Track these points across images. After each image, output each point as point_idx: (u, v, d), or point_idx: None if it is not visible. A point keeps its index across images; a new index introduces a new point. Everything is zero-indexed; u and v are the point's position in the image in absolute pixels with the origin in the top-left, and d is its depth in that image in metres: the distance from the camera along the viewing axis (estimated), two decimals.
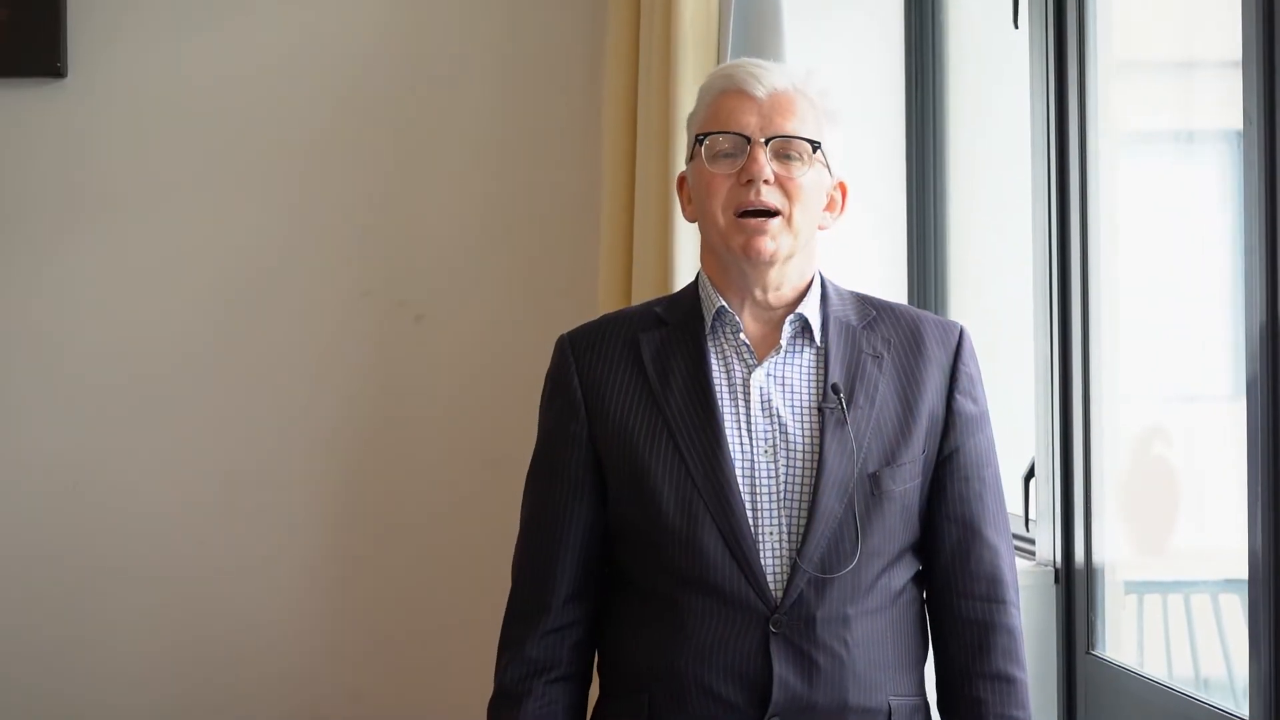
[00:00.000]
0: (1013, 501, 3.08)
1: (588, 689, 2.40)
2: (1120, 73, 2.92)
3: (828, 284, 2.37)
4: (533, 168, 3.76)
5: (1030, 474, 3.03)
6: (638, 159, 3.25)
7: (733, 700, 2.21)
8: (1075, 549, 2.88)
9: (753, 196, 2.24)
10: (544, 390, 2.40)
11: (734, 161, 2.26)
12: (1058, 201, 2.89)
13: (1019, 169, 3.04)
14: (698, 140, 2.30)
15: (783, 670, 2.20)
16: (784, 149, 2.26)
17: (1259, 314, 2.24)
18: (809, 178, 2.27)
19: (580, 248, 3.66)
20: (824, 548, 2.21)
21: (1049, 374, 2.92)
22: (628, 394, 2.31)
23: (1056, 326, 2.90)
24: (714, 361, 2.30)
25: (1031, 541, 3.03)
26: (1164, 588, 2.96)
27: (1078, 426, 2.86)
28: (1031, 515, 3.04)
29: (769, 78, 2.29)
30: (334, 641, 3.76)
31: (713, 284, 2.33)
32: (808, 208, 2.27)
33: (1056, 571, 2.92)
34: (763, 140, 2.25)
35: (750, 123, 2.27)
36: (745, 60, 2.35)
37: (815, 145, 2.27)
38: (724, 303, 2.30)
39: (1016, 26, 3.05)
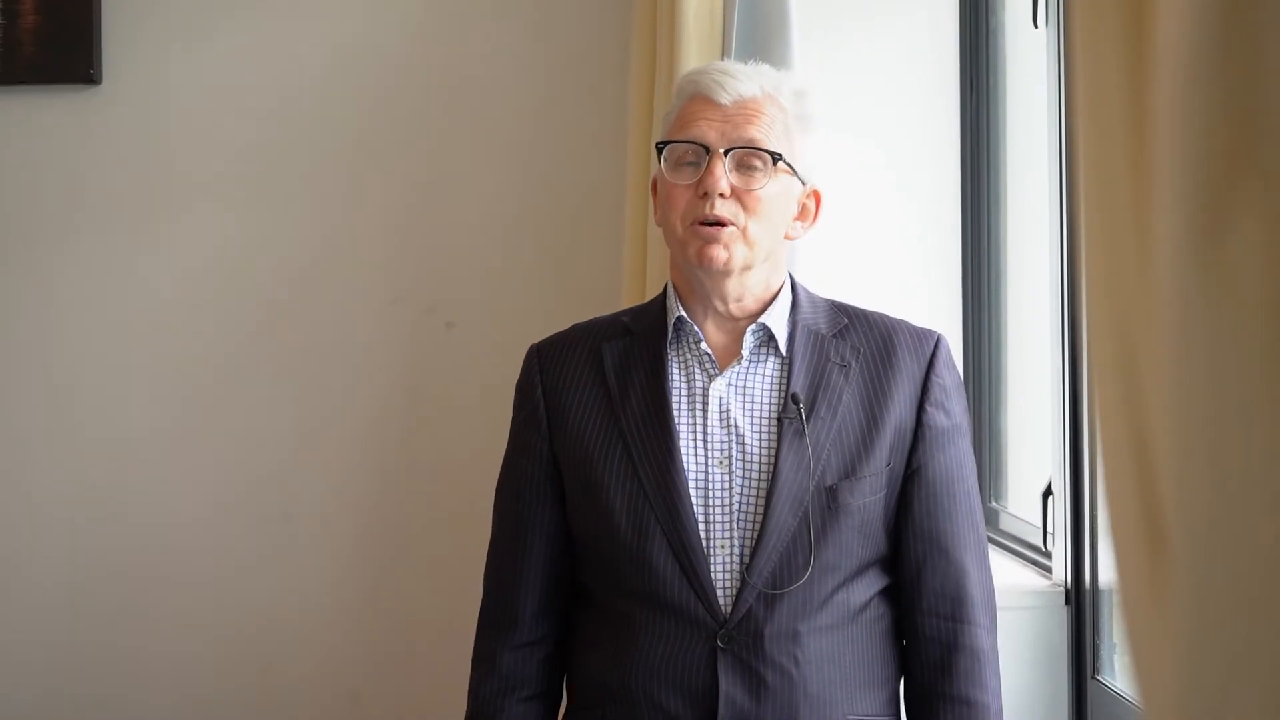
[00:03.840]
0: (1034, 517, 3.01)
1: (557, 707, 2.37)
2: None
3: (800, 291, 2.30)
4: (563, 175, 3.73)
5: (1048, 491, 2.93)
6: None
7: (681, 717, 2.16)
8: (1084, 570, 2.79)
9: (708, 210, 2.18)
10: (514, 400, 2.38)
11: (694, 170, 2.21)
12: (1069, 208, 2.79)
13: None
14: (658, 148, 2.25)
15: (729, 687, 2.14)
16: (745, 159, 2.19)
17: None
18: (770, 189, 2.20)
19: (609, 255, 3.61)
20: (775, 562, 2.15)
21: (1060, 389, 2.83)
22: (587, 404, 2.27)
23: (1067, 338, 2.80)
24: (675, 371, 2.25)
25: (1049, 556, 2.94)
26: None
27: (1086, 444, 2.76)
28: (1050, 532, 2.94)
29: (736, 84, 2.22)
30: (363, 642, 3.76)
31: (677, 293, 2.28)
32: (767, 220, 2.20)
33: (1067, 593, 2.83)
34: (722, 151, 2.19)
35: (711, 132, 2.20)
36: (716, 64, 2.29)
37: (776, 157, 2.20)
38: (683, 312, 2.25)
39: (1036, 26, 2.96)
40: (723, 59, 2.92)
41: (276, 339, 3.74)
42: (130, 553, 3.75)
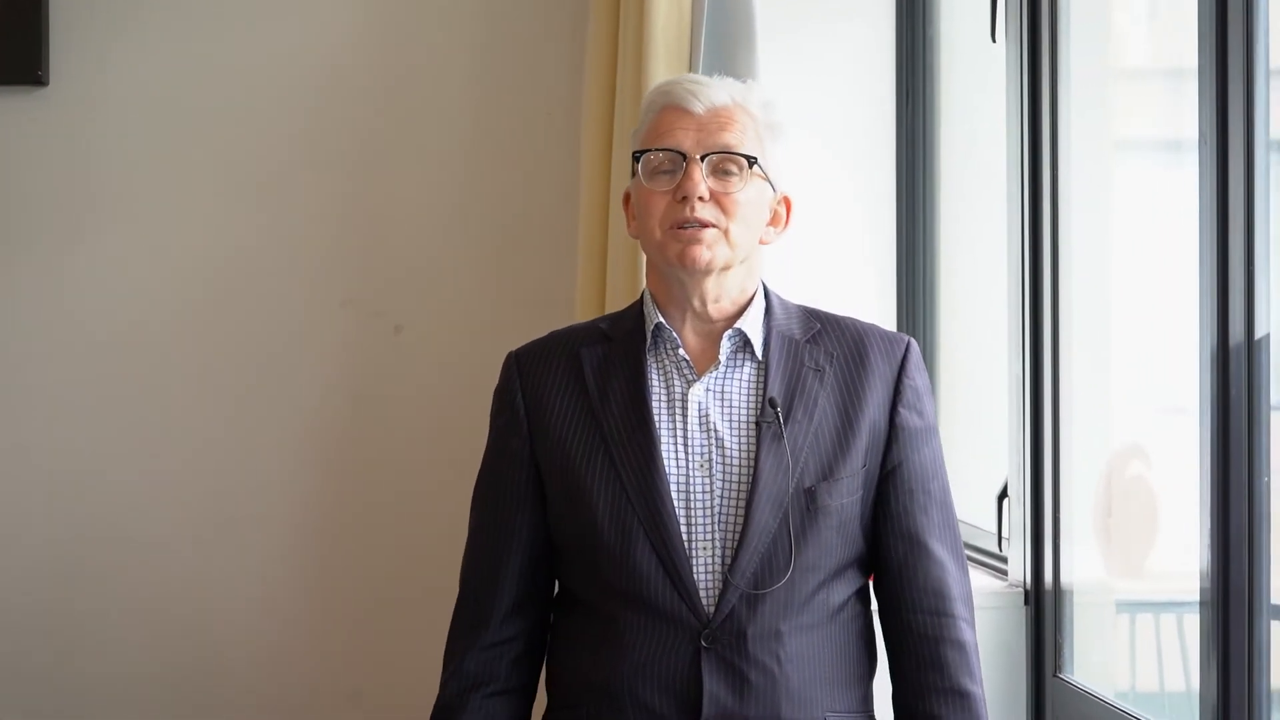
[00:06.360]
0: (987, 521, 3.06)
1: (530, 704, 2.40)
2: (1114, 81, 2.89)
3: (773, 297, 2.34)
4: (514, 179, 3.75)
5: (1004, 493, 2.99)
6: (612, 171, 3.23)
7: (666, 715, 2.20)
8: (1045, 570, 2.84)
9: (688, 213, 2.22)
10: (492, 406, 2.40)
11: (671, 178, 2.24)
12: (1030, 215, 2.85)
13: (999, 185, 3.01)
14: (635, 158, 2.28)
15: (713, 685, 2.18)
16: (721, 164, 2.23)
17: (1210, 336, 2.21)
18: (747, 193, 2.24)
19: (560, 259, 3.65)
20: (757, 563, 2.19)
21: (1020, 391, 2.88)
22: (568, 410, 2.30)
23: (1028, 343, 2.86)
24: (654, 377, 2.28)
25: (1004, 561, 2.99)
26: (1150, 608, 2.93)
27: (1047, 446, 2.82)
28: (1005, 535, 3.00)
29: (707, 93, 2.26)
30: (311, 646, 3.79)
31: (655, 300, 2.31)
32: (745, 223, 2.25)
33: (1026, 593, 2.88)
34: (699, 157, 2.23)
35: (686, 139, 2.24)
36: (685, 76, 2.33)
37: (752, 160, 2.24)
38: (662, 319, 2.28)
39: (994, 40, 3.01)
40: (690, 70, 2.96)
41: (224, 342, 3.74)
42: (97, 560, 3.76)
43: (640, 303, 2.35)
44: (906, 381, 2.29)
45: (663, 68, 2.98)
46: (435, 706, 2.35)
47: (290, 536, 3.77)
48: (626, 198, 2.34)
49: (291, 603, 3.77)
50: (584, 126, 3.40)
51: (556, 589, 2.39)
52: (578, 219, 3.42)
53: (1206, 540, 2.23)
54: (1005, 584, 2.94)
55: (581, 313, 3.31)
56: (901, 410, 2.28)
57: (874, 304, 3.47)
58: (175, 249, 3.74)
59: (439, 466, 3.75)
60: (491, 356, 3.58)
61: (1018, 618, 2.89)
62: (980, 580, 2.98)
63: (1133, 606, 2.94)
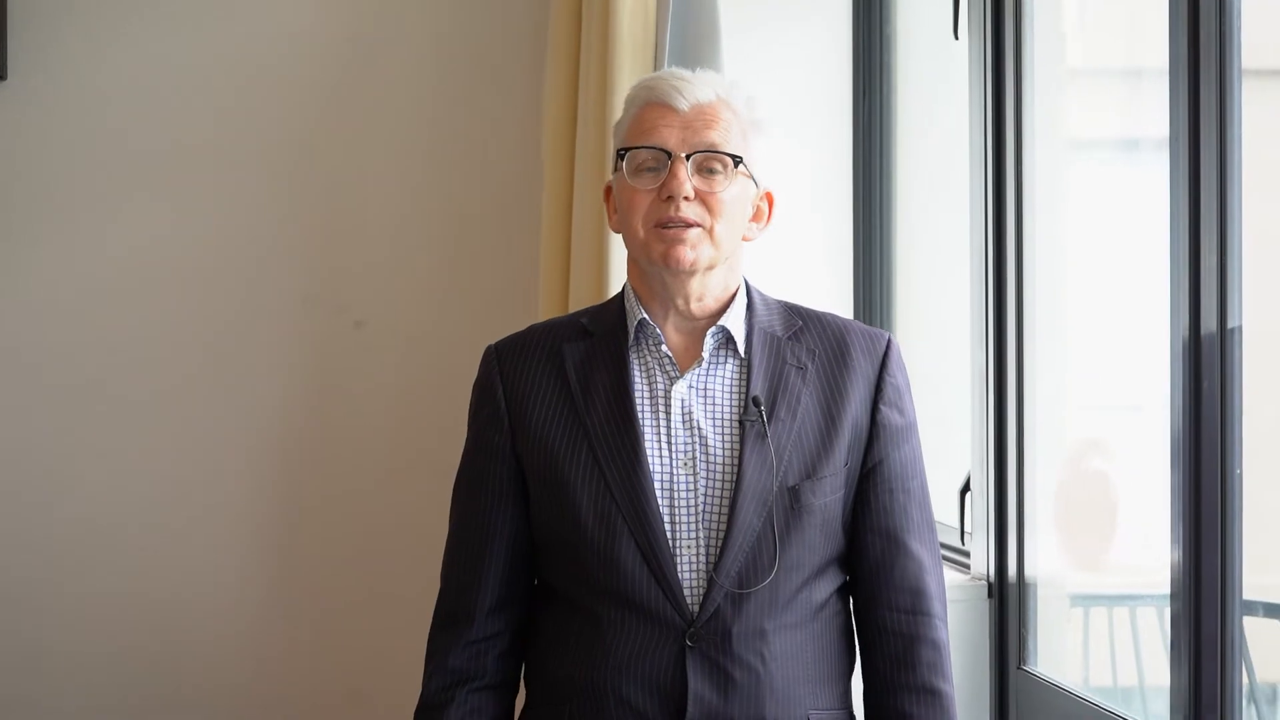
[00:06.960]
0: (949, 514, 3.09)
1: (514, 698, 2.39)
2: (1068, 80, 2.92)
3: (754, 294, 2.34)
4: (475, 175, 3.75)
5: (966, 487, 3.01)
6: (575, 166, 3.23)
7: (650, 713, 2.19)
8: (1008, 563, 2.87)
9: (673, 212, 2.21)
10: (471, 400, 2.38)
11: (656, 176, 2.23)
12: (994, 211, 2.88)
13: (960, 180, 3.03)
14: (619, 154, 2.28)
15: (697, 684, 2.18)
16: (706, 163, 2.23)
17: (1182, 328, 2.24)
18: (731, 191, 2.24)
19: (521, 254, 3.65)
20: (741, 562, 2.19)
21: (983, 386, 2.91)
22: (550, 405, 2.28)
23: (991, 337, 2.89)
24: (637, 373, 2.27)
25: (967, 555, 3.02)
26: (1107, 601, 2.96)
27: (1011, 440, 2.85)
28: (967, 529, 3.02)
29: (692, 89, 2.25)
30: (273, 645, 3.79)
31: (636, 296, 2.31)
32: (730, 221, 2.24)
33: (990, 585, 2.91)
34: (684, 155, 2.22)
35: (671, 137, 2.23)
36: (670, 71, 2.32)
37: (737, 160, 2.24)
38: (645, 315, 2.28)
39: (956, 37, 3.04)
40: (656, 67, 2.96)
41: (186, 338, 3.73)
42: (67, 559, 3.74)
43: (621, 298, 2.34)
44: (888, 379, 2.30)
45: (628, 64, 2.98)
46: (420, 703, 2.34)
47: (256, 532, 3.76)
48: (608, 191, 2.34)
49: (260, 597, 3.76)
50: (546, 121, 3.40)
51: (537, 584, 2.39)
52: (540, 214, 3.42)
53: (1178, 534, 2.26)
54: (969, 577, 2.97)
55: (545, 308, 3.31)
56: (883, 408, 2.29)
57: (831, 299, 3.49)
58: (136, 244, 3.72)
59: (404, 459, 3.76)
60: (453, 350, 3.60)
61: (981, 610, 2.91)
62: (944, 574, 3.00)
63: (1087, 599, 2.98)
